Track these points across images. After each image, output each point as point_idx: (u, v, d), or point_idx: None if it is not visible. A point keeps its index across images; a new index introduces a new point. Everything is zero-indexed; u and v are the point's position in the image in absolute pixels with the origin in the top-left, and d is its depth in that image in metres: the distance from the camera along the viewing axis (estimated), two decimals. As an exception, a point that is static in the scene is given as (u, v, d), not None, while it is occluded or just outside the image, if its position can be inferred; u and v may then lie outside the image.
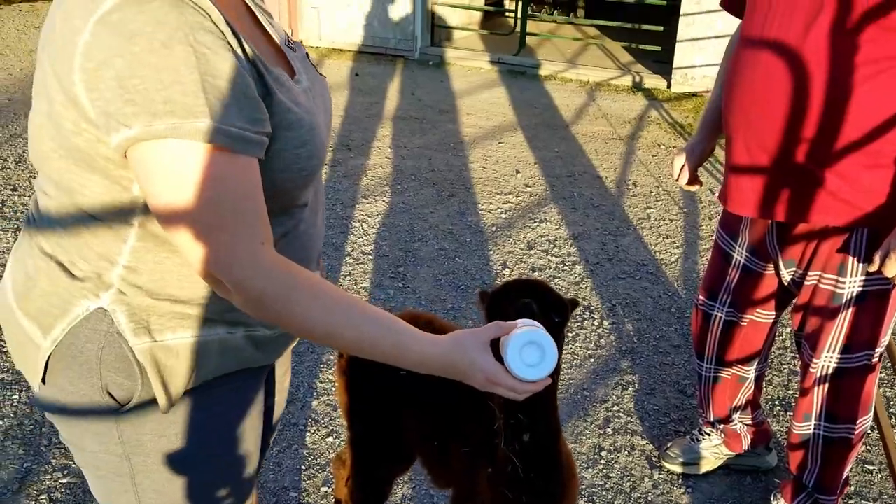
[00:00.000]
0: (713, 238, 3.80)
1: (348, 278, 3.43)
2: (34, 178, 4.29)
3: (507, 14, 9.35)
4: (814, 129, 1.57)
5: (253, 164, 0.93)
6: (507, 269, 3.55)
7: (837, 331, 1.75)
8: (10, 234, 3.70)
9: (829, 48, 1.52)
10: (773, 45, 1.59)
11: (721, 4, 1.97)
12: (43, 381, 1.06)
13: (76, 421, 1.07)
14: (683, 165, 2.03)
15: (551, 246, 3.79)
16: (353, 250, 3.70)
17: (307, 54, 1.18)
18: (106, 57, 0.86)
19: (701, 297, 2.07)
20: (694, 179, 2.06)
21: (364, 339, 1.00)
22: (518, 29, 7.86)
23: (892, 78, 1.52)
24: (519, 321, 1.07)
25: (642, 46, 7.33)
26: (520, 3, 8.01)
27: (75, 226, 1.00)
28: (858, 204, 1.62)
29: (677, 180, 2.07)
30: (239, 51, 0.93)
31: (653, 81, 6.91)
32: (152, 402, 1.05)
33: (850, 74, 1.52)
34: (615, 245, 3.82)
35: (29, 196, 4.14)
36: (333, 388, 2.66)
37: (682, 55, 6.69)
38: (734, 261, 1.94)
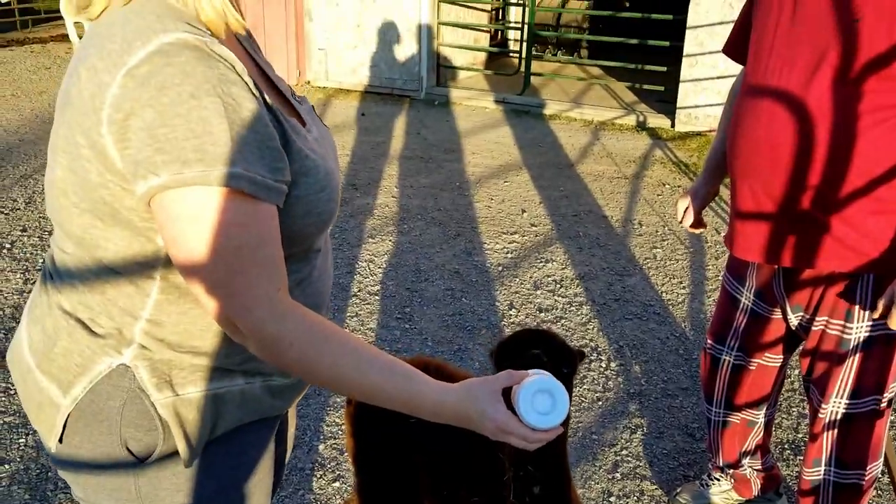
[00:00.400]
0: (719, 279, 3.81)
1: (355, 319, 3.44)
2: (44, 218, 4.34)
3: (511, 54, 9.47)
4: (818, 176, 1.59)
5: (273, 212, 0.95)
6: (513, 310, 3.55)
7: (845, 376, 1.74)
8: (18, 275, 3.72)
9: (832, 97, 1.54)
10: (776, 93, 1.61)
11: (724, 51, 2.00)
12: (60, 439, 1.05)
13: (92, 478, 1.07)
14: (688, 208, 2.05)
15: (558, 286, 3.80)
16: (359, 290, 3.71)
17: (312, 107, 1.21)
18: (135, 108, 0.88)
19: (709, 341, 2.07)
20: (699, 222, 2.07)
21: (376, 387, 1.00)
22: (522, 69, 7.96)
23: (895, 126, 1.54)
24: (530, 370, 1.08)
25: (646, 86, 7.41)
26: (524, 44, 8.12)
27: (97, 282, 1.01)
28: (864, 250, 1.63)
29: (681, 223, 2.08)
30: (261, 101, 0.95)
31: (657, 121, 6.97)
32: (171, 455, 1.05)
33: (853, 122, 1.53)
34: (622, 285, 3.82)
35: (38, 237, 4.18)
36: (340, 432, 2.65)
37: (685, 95, 6.75)
38: (741, 305, 1.94)
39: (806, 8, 1.58)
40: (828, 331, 1.74)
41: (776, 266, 1.79)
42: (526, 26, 8.04)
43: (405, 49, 7.96)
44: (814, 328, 1.77)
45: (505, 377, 1.05)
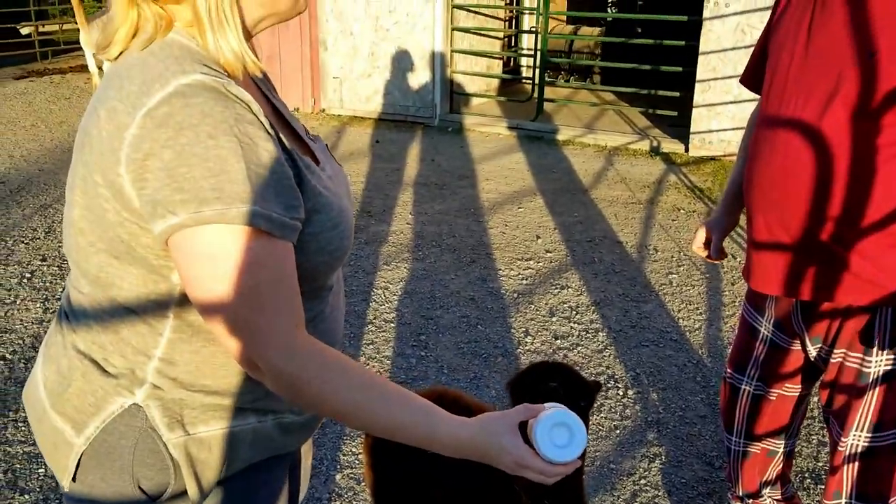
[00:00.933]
0: (736, 304, 3.79)
1: (371, 346, 3.44)
2: (62, 248, 4.39)
3: (524, 81, 9.53)
4: (834, 209, 1.58)
5: (289, 249, 0.96)
6: (529, 337, 3.54)
7: (865, 409, 1.72)
8: (38, 305, 3.76)
9: (847, 130, 1.53)
10: (791, 125, 1.61)
11: (741, 81, 2.00)
12: (73, 478, 1.06)
13: None
14: (709, 239, 2.04)
15: (573, 313, 3.79)
16: (374, 318, 3.72)
17: (326, 145, 1.23)
18: (154, 148, 0.89)
19: (728, 370, 2.05)
20: (720, 252, 2.06)
21: (394, 422, 1.00)
22: (535, 95, 8.00)
23: None
24: (547, 404, 1.08)
25: (659, 111, 7.43)
26: (537, 70, 8.18)
27: (112, 321, 1.02)
28: (883, 283, 1.61)
29: (707, 257, 2.06)
30: (276, 140, 0.97)
31: (670, 146, 6.98)
32: (183, 494, 1.05)
33: (869, 156, 1.53)
34: (638, 312, 3.81)
35: (58, 267, 4.22)
36: (357, 461, 2.64)
37: (698, 120, 6.76)
38: (760, 335, 1.93)
39: (820, 40, 1.59)
40: (846, 363, 1.73)
41: (794, 299, 1.78)
42: (538, 53, 8.10)
43: (418, 77, 8.03)
44: (832, 360, 1.75)
45: (522, 411, 1.05)
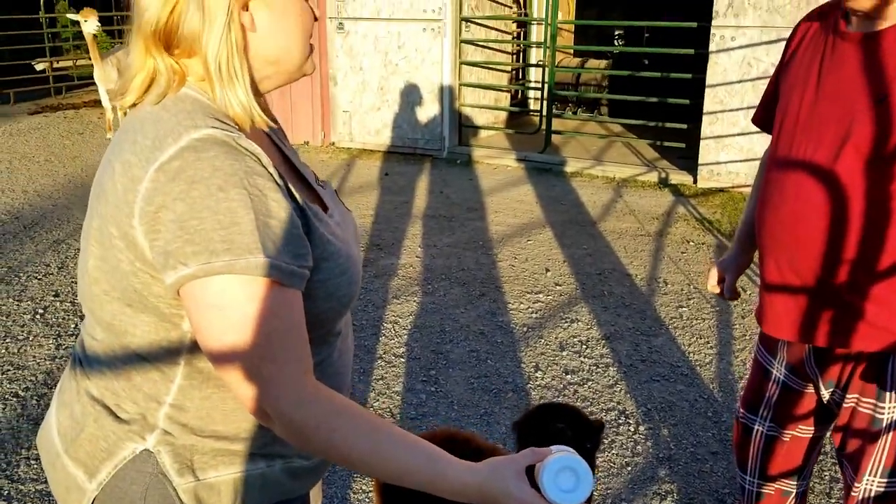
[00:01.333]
0: (747, 338, 3.78)
1: (381, 382, 3.44)
2: (76, 283, 4.42)
3: (531, 113, 9.60)
4: (848, 254, 1.58)
5: (298, 297, 0.98)
6: (539, 372, 3.54)
7: (878, 454, 1.71)
8: (51, 341, 3.78)
9: (859, 174, 1.53)
10: (803, 168, 1.62)
11: (753, 121, 2.01)
12: None
13: None
14: (722, 278, 2.04)
15: (583, 347, 3.78)
16: (384, 353, 3.72)
17: (335, 191, 1.25)
18: (166, 201, 0.92)
19: (741, 410, 2.05)
20: (734, 292, 2.06)
21: (402, 468, 1.01)
22: (543, 127, 8.06)
23: None
24: (553, 447, 1.08)
25: (667, 143, 7.47)
26: (544, 103, 8.25)
27: (124, 368, 1.04)
28: (885, 332, 1.61)
29: (722, 296, 2.04)
30: (285, 190, 0.99)
31: (679, 177, 7.00)
32: None
33: (883, 201, 1.52)
34: (648, 346, 3.80)
35: (71, 302, 4.25)
36: (367, 499, 2.63)
37: (706, 151, 6.79)
38: (773, 377, 1.92)
39: (831, 84, 1.59)
40: (859, 408, 1.72)
41: (807, 344, 1.77)
42: (546, 86, 8.17)
43: (427, 110, 8.11)
44: (845, 405, 1.74)
45: (528, 455, 1.06)
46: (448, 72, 7.92)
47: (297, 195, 1.02)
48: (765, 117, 1.92)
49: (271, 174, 0.97)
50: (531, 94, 10.11)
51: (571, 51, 9.93)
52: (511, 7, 9.41)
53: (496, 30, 8.99)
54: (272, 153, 1.11)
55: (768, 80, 1.93)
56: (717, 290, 2.05)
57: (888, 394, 1.67)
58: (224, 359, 0.95)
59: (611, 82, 9.43)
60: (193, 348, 1.01)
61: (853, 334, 1.64)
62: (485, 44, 8.62)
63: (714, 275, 2.04)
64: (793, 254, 1.66)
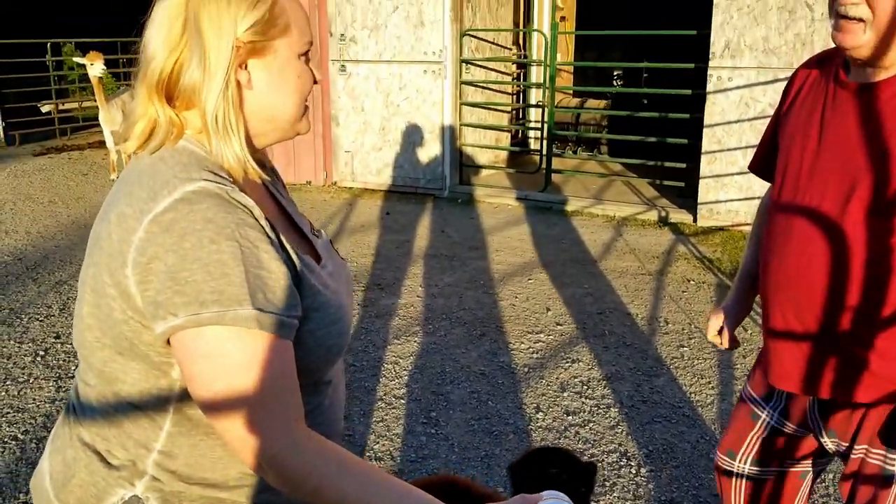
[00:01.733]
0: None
1: (381, 424, 3.42)
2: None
3: (532, 152, 9.68)
4: (854, 306, 1.57)
5: (288, 346, 1.00)
6: (540, 413, 3.52)
7: None
8: (51, 383, 3.78)
9: (865, 227, 1.52)
10: (808, 218, 1.61)
11: (750, 168, 2.00)
12: None
13: None
14: (722, 328, 2.00)
15: (584, 387, 3.77)
16: (385, 394, 3.71)
17: (330, 241, 1.28)
18: (159, 253, 0.95)
19: (721, 456, 1.98)
20: (733, 340, 2.03)
21: None
22: (543, 166, 8.12)
23: None
24: (544, 493, 1.09)
25: (666, 182, 7.51)
26: (544, 142, 8.32)
27: (115, 415, 1.06)
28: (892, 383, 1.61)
29: (721, 345, 2.01)
30: (276, 242, 1.02)
31: (679, 216, 7.03)
32: None
33: (887, 254, 1.52)
34: (649, 386, 3.78)
35: (72, 345, 4.25)
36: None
37: (706, 190, 6.84)
38: (762, 421, 1.89)
39: (833, 135, 1.59)
40: (868, 459, 1.69)
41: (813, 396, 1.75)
42: (545, 126, 8.26)
43: (428, 149, 8.18)
44: (853, 455, 1.71)
45: (519, 501, 1.07)
46: (449, 112, 8.01)
47: (289, 246, 1.05)
48: (764, 165, 1.91)
49: (263, 227, 1.00)
50: (531, 133, 10.20)
51: (571, 91, 10.04)
52: (511, 49, 9.54)
53: (496, 71, 9.11)
54: (267, 204, 1.14)
55: (766, 119, 1.94)
56: (718, 341, 2.02)
57: None
58: (215, 408, 0.97)
59: (610, 122, 9.52)
60: (183, 396, 1.03)
61: (861, 387, 1.62)
62: (485, 85, 8.73)
63: (714, 325, 2.01)
64: (799, 305, 1.63)
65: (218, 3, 1.02)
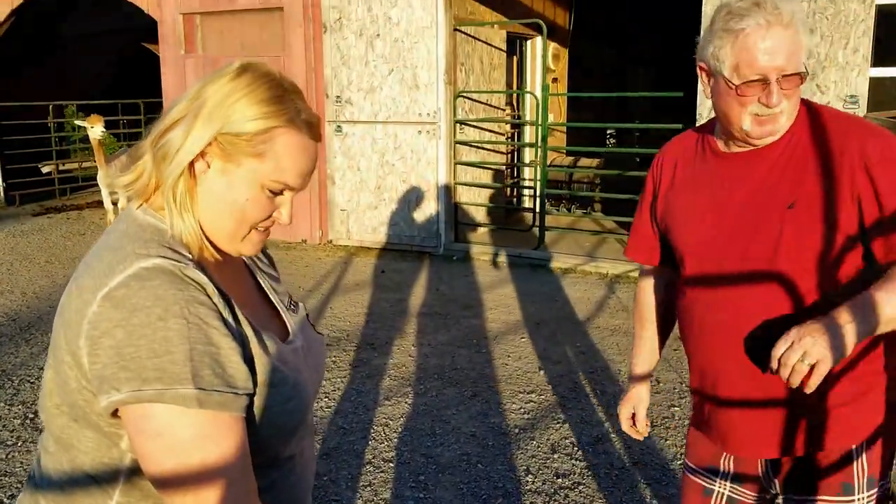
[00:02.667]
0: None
1: (368, 489, 3.40)
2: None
3: (526, 210, 9.77)
4: None
5: (236, 422, 1.02)
6: (530, 476, 3.50)
7: None
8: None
9: (796, 279, 1.57)
10: (735, 284, 1.63)
11: (630, 256, 1.98)
12: None
13: None
14: (633, 415, 1.99)
15: (575, 449, 3.75)
16: (373, 457, 3.69)
17: (307, 315, 1.30)
18: (108, 327, 0.98)
19: None
20: (646, 427, 2.02)
21: None
22: (537, 224, 8.20)
23: None
24: None
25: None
26: (538, 200, 8.41)
27: (69, 483, 1.08)
28: (858, 428, 1.63)
29: (638, 435, 2.01)
30: (231, 318, 1.05)
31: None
32: None
33: (823, 303, 1.55)
34: (640, 446, 3.76)
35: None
36: None
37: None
38: (716, 494, 1.85)
39: (736, 199, 1.64)
40: None
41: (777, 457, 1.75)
42: (538, 184, 8.36)
43: (423, 208, 8.26)
44: None
45: None
46: (443, 171, 8.13)
47: (246, 323, 1.07)
48: (647, 250, 1.93)
49: (215, 304, 1.03)
50: (525, 191, 10.31)
51: (563, 150, 10.19)
52: (504, 109, 9.72)
53: (490, 131, 9.26)
54: (239, 280, 1.17)
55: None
56: (634, 432, 2.02)
57: (856, 486, 1.67)
58: (165, 484, 0.99)
59: (603, 180, 9.64)
60: (132, 466, 1.05)
61: (824, 437, 1.64)
62: (479, 145, 8.87)
63: (626, 417, 2.01)
64: (746, 370, 1.66)
65: (226, 96, 1.07)
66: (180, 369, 0.97)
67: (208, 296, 1.02)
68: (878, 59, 6.21)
